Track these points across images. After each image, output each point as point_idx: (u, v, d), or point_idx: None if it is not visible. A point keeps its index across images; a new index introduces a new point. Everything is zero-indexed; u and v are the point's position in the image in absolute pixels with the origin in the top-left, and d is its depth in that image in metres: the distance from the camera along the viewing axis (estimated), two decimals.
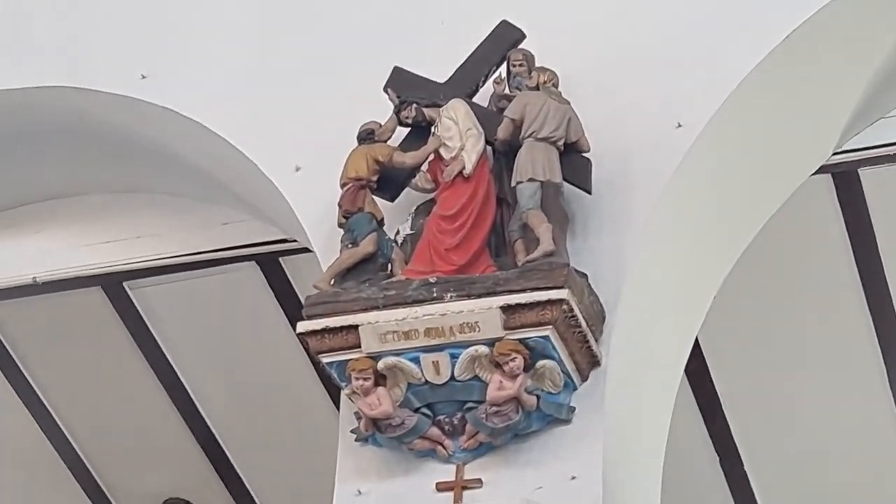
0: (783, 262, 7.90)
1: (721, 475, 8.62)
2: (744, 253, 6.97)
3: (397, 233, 6.45)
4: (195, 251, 7.84)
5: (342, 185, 6.48)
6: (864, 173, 7.43)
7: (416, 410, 6.11)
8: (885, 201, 7.58)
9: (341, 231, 6.44)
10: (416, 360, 6.08)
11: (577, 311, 6.01)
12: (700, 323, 6.85)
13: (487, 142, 6.44)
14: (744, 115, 6.61)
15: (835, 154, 7.09)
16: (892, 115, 7.11)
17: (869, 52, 6.82)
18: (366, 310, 6.12)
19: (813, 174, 7.09)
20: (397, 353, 6.09)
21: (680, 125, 6.51)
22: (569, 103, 6.43)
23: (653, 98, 6.60)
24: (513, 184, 6.31)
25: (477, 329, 6.00)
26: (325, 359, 6.19)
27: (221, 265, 7.97)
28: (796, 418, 8.46)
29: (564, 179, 6.34)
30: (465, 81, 6.64)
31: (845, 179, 7.46)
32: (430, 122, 6.52)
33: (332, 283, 6.32)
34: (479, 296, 6.02)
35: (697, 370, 8.09)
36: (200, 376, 8.71)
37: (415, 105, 6.56)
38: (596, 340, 6.14)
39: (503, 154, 6.45)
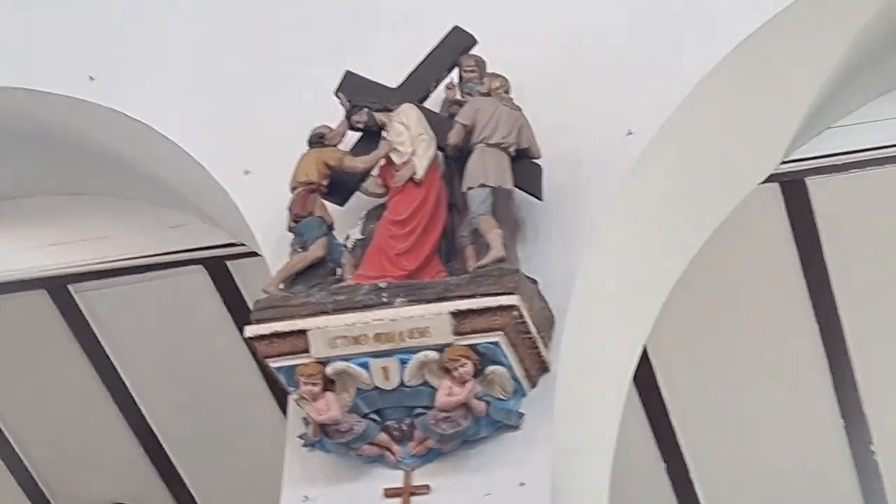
0: (732, 269, 7.94)
1: (667, 481, 8.66)
2: (693, 261, 6.99)
3: (347, 237, 6.42)
4: (142, 254, 7.79)
5: (292, 190, 6.44)
6: (812, 182, 7.48)
7: (365, 416, 6.08)
8: (832, 210, 7.63)
9: (291, 235, 6.41)
10: (366, 366, 6.05)
11: (526, 318, 6.01)
12: (649, 330, 6.87)
13: (439, 147, 6.43)
14: (694, 123, 6.63)
15: (783, 163, 7.13)
16: (839, 125, 7.16)
17: (817, 63, 6.86)
18: (315, 314, 6.09)
19: (762, 183, 7.13)
20: (346, 359, 6.06)
21: (631, 133, 6.53)
22: (520, 109, 6.43)
23: (604, 105, 6.61)
24: (464, 189, 6.30)
25: (427, 334, 5.99)
26: (274, 363, 6.16)
27: (169, 269, 7.92)
28: (742, 425, 8.51)
29: (515, 185, 6.34)
30: (417, 86, 6.63)
31: (793, 188, 7.51)
32: (382, 127, 6.50)
33: (281, 287, 6.28)
34: (430, 301, 6.00)
35: (645, 377, 8.12)
36: (146, 381, 8.65)
37: (366, 109, 6.54)
38: (545, 347, 6.14)
39: (454, 160, 6.44)
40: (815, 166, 7.25)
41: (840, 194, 7.55)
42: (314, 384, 6.05)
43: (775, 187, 7.48)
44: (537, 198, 6.41)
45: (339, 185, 6.50)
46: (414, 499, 6.00)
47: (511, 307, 5.95)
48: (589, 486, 6.32)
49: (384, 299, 6.05)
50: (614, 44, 6.71)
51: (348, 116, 6.56)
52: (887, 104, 7.13)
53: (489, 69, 6.57)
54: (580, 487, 6.21)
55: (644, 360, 7.98)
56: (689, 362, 8.30)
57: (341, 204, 6.53)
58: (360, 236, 6.40)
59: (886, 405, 8.36)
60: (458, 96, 6.58)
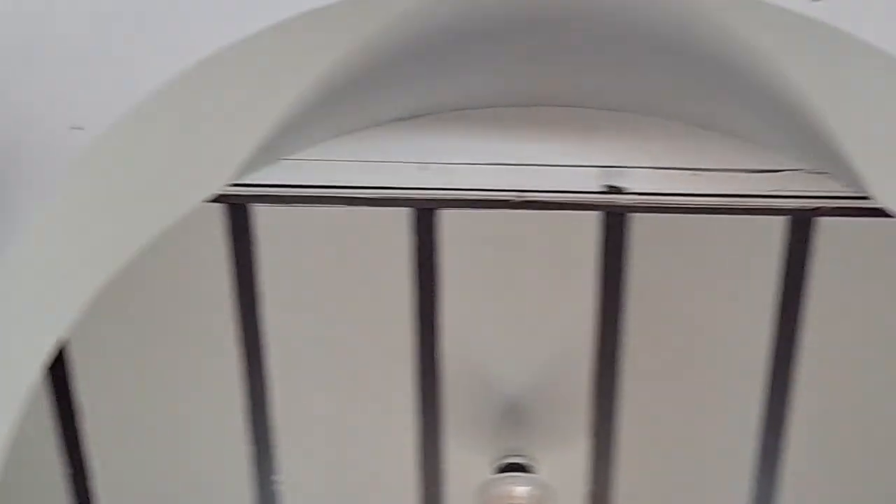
0: (166, 283, 7.91)
1: (70, 490, 8.52)
2: (130, 269, 6.88)
3: None
4: None
5: None
6: (256, 209, 7.56)
7: None
8: (272, 240, 7.74)
9: None
10: None
11: None
12: (67, 329, 6.69)
13: None
14: (144, 129, 6.52)
15: (232, 185, 7.15)
16: (291, 158, 7.24)
17: (279, 94, 6.91)
18: None
19: (207, 201, 7.12)
20: None
21: (78, 127, 6.36)
22: None
23: (54, 96, 6.39)
24: None
25: None
26: None
27: None
28: (150, 439, 8.50)
29: None
30: None
31: (237, 212, 7.56)
32: None
33: None
34: None
35: (61, 377, 7.95)
36: None
37: None
38: None
39: None
40: (261, 194, 7.30)
41: (283, 226, 7.67)
42: None
43: (221, 208, 7.51)
44: None
45: None
46: None
47: None
48: None
49: None
50: (73, 34, 6.50)
51: None
52: (340, 146, 7.29)
53: None
54: None
55: (63, 358, 7.85)
56: (112, 371, 8.20)
57: None
58: None
59: (295, 441, 8.55)
60: None
